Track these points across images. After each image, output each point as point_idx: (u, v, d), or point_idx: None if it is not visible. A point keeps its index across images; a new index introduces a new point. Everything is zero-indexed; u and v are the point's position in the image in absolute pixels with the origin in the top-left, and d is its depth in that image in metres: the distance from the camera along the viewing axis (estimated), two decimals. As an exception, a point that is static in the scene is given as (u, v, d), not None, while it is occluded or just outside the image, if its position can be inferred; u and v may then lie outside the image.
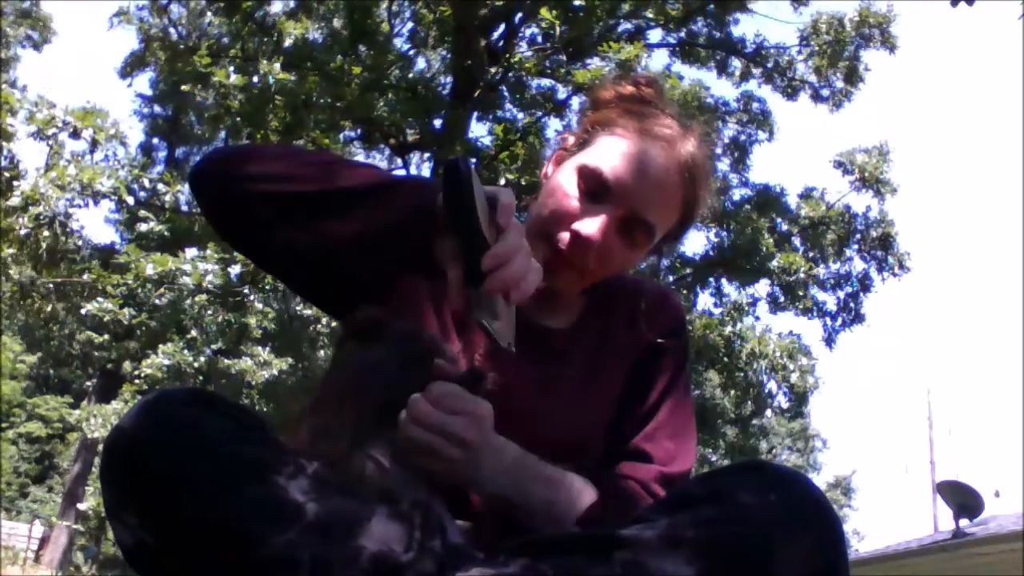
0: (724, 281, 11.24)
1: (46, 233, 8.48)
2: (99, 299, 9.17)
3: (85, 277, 9.36)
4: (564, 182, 1.19)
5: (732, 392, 11.82)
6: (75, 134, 8.61)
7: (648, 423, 1.23)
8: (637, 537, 0.86)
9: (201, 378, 9.52)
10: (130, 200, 9.54)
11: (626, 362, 1.25)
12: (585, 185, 1.17)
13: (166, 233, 10.17)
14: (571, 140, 1.25)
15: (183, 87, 11.33)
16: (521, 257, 0.93)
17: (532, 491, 1.08)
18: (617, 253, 1.18)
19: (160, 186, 10.05)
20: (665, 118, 1.22)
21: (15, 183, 8.40)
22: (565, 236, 1.15)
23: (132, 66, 14.04)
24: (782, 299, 10.95)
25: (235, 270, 9.00)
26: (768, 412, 11.78)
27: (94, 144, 8.77)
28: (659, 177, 1.17)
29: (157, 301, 8.88)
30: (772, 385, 10.87)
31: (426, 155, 11.07)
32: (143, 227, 10.27)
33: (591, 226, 1.14)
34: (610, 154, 1.18)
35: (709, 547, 0.84)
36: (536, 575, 0.84)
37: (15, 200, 8.29)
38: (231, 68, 9.93)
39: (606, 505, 1.11)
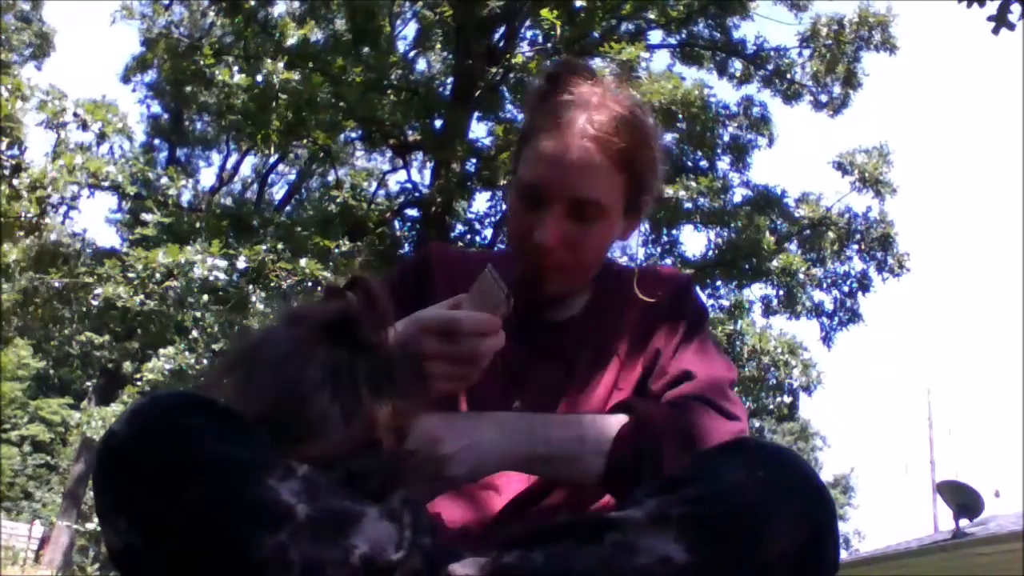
0: (721, 283, 11.25)
1: (48, 221, 8.46)
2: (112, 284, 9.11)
3: (90, 279, 9.32)
4: (513, 205, 1.28)
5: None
6: (84, 126, 8.63)
7: (678, 368, 1.27)
8: (626, 518, 0.88)
9: (203, 379, 9.47)
10: (132, 191, 9.54)
11: (638, 335, 1.30)
12: (524, 199, 1.25)
13: (170, 223, 10.17)
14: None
15: (187, 87, 11.36)
16: None
17: (554, 435, 1.13)
18: (579, 237, 1.23)
19: (164, 180, 10.08)
20: (570, 91, 1.23)
21: (21, 171, 8.39)
22: (528, 250, 1.23)
23: (135, 70, 14.01)
24: (775, 303, 10.96)
25: (240, 264, 8.98)
26: (771, 407, 11.75)
27: (101, 137, 8.78)
28: (576, 154, 1.19)
29: (168, 292, 8.80)
30: (774, 382, 10.88)
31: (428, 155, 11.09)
32: (147, 217, 10.27)
33: (541, 233, 1.21)
34: (530, 161, 1.24)
35: (696, 523, 0.86)
36: (527, 563, 0.86)
37: (22, 182, 8.27)
38: (235, 68, 9.95)
39: (642, 423, 1.14)
